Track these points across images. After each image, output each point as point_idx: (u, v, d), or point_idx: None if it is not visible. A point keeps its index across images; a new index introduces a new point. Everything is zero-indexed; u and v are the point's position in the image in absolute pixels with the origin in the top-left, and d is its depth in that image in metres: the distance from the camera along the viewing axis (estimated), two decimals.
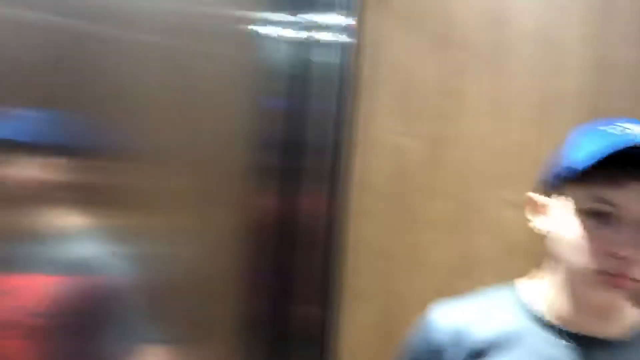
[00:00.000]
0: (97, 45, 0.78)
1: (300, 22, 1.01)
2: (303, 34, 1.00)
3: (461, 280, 1.00)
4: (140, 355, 0.80)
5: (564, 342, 0.70)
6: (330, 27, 1.01)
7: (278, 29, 1.01)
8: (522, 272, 0.76)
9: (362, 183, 1.02)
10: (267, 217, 1.00)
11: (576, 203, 0.69)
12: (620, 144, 0.65)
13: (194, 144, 0.89)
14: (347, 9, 1.00)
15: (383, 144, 1.01)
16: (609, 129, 0.69)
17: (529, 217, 0.73)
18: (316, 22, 1.01)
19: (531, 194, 0.73)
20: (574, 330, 0.71)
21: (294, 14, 1.01)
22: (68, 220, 0.72)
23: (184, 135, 0.88)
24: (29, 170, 0.69)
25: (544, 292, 0.73)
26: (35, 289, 0.70)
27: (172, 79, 0.87)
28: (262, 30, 0.99)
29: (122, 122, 0.80)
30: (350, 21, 1.00)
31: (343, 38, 1.00)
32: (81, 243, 0.74)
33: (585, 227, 0.68)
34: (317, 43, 1.00)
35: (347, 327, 1.03)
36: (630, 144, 0.65)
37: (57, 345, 0.72)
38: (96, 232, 0.76)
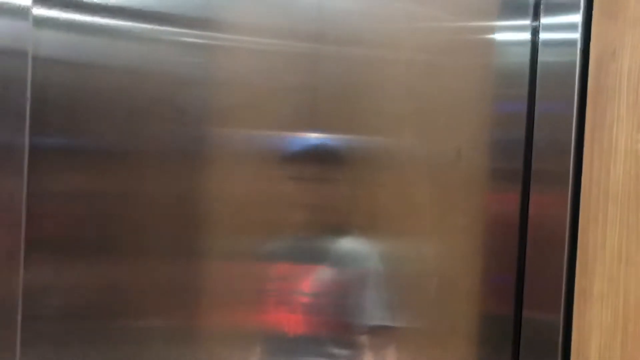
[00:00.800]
0: (354, 68, 0.97)
1: (534, 26, 1.01)
2: (536, 37, 1.01)
3: None
4: (381, 337, 1.01)
5: None
6: (562, 28, 1.00)
7: (511, 34, 1.03)
8: None
9: (598, 187, 0.99)
10: (506, 220, 1.04)
11: None
12: None
13: (439, 151, 1.01)
14: (578, 12, 0.99)
15: (621, 150, 0.97)
16: None
17: None
18: (549, 24, 1.00)
19: None
20: None
21: (526, 19, 1.02)
22: (336, 222, 0.98)
23: (430, 143, 1.01)
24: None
25: None
26: (306, 275, 0.98)
27: (418, 92, 1.01)
28: (497, 37, 1.04)
29: (378, 135, 0.99)
30: (580, 24, 0.98)
31: (574, 41, 0.99)
32: (345, 242, 0.98)
33: None
34: (551, 46, 1.00)
35: (579, 330, 1.02)
36: None
37: (318, 319, 0.98)
38: (357, 232, 0.98)
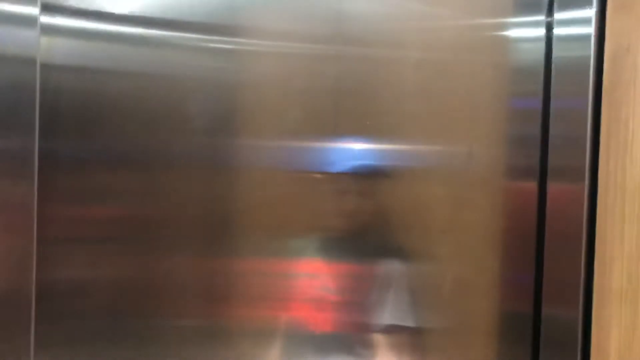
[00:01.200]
0: (372, 68, 0.98)
1: (548, 22, 1.01)
2: (550, 33, 1.00)
3: None
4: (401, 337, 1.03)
5: None
6: (576, 23, 0.99)
7: (526, 30, 1.03)
8: None
9: (615, 183, 0.98)
10: (524, 217, 1.04)
11: None
12: None
13: (456, 149, 1.02)
14: (591, 7, 0.97)
15: (637, 145, 0.97)
16: None
17: None
18: (563, 19, 1.00)
19: None
20: None
21: (540, 14, 1.01)
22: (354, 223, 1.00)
23: (447, 141, 1.02)
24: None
25: None
26: (333, 273, 0.99)
27: (433, 90, 1.01)
28: (511, 33, 1.03)
29: (397, 134, 1.01)
30: (593, 18, 0.97)
31: (588, 36, 0.98)
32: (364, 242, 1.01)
33: None
34: (565, 41, 0.99)
35: (599, 327, 1.01)
36: None
37: (342, 315, 1.00)
38: (375, 233, 1.01)
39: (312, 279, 0.98)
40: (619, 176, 0.98)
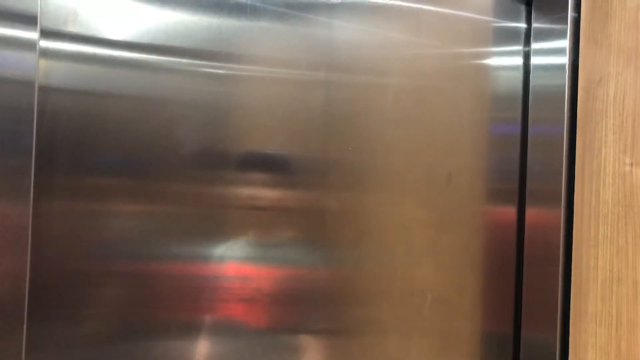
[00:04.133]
0: (349, 94, 1.01)
1: (525, 51, 1.05)
2: (528, 62, 1.04)
3: None
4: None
5: None
6: (551, 53, 1.02)
7: (504, 59, 1.06)
8: None
9: (589, 208, 1.02)
10: (503, 240, 1.08)
11: None
12: None
13: (435, 173, 1.05)
14: (565, 38, 1.01)
15: (609, 172, 0.99)
16: None
17: None
18: (537, 49, 1.03)
19: None
20: None
21: (517, 44, 1.05)
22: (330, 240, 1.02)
23: (426, 166, 1.05)
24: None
25: None
26: (266, 276, 0.99)
27: (413, 116, 1.04)
28: (490, 62, 1.06)
29: (371, 158, 1.03)
30: (567, 49, 1.00)
31: (563, 66, 1.01)
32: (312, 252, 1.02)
33: None
34: (542, 70, 1.03)
35: (575, 350, 1.04)
36: None
37: (274, 316, 0.99)
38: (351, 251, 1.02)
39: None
40: (593, 201, 1.01)
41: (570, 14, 1.00)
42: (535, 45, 1.03)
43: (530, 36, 1.03)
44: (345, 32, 1.01)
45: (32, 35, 0.85)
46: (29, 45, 0.85)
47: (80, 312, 0.87)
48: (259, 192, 0.99)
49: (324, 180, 1.00)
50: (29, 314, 0.83)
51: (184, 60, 0.93)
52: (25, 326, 0.82)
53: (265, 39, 0.97)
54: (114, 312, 0.90)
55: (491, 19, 1.05)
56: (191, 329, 0.95)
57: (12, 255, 0.82)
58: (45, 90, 0.85)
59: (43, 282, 0.85)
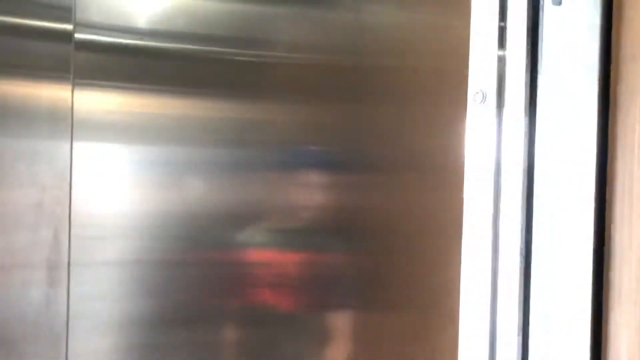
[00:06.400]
0: None
1: None
2: None
3: None
4: None
5: None
6: None
7: None
8: None
9: (623, 189, 1.01)
10: None
11: None
12: None
13: None
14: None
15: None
16: None
17: None
18: None
19: None
20: None
21: None
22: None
23: None
24: None
25: None
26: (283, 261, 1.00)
27: None
28: None
29: None
30: None
31: None
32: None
33: None
34: None
35: (613, 329, 1.04)
36: None
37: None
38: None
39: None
40: (626, 180, 1.00)
41: None
42: None
43: None
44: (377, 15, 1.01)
45: (67, 26, 0.90)
46: (64, 36, 0.89)
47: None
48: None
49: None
50: None
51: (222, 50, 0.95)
52: None
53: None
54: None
55: None
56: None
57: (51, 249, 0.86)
58: (80, 82, 0.89)
59: None
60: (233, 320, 0.99)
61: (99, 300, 0.90)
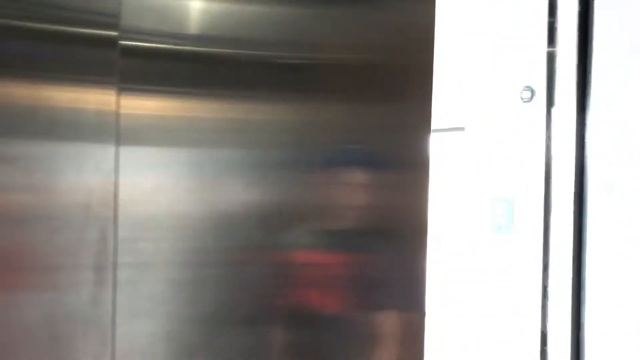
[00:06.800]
0: None
1: None
2: None
3: None
4: None
5: None
6: None
7: None
8: None
9: None
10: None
11: None
12: None
13: None
14: None
15: None
16: None
17: None
18: None
19: None
20: None
21: None
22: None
23: None
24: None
25: None
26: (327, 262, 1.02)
27: None
28: None
29: None
30: None
31: None
32: None
33: None
34: None
35: None
36: None
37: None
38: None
39: None
40: None
41: None
42: None
43: None
44: None
45: (113, 33, 0.92)
46: (109, 42, 0.92)
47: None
48: None
49: None
50: None
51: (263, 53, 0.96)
52: None
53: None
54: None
55: None
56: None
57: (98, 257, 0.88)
58: (126, 88, 0.91)
59: None
60: (278, 321, 1.00)
61: (144, 300, 0.92)
